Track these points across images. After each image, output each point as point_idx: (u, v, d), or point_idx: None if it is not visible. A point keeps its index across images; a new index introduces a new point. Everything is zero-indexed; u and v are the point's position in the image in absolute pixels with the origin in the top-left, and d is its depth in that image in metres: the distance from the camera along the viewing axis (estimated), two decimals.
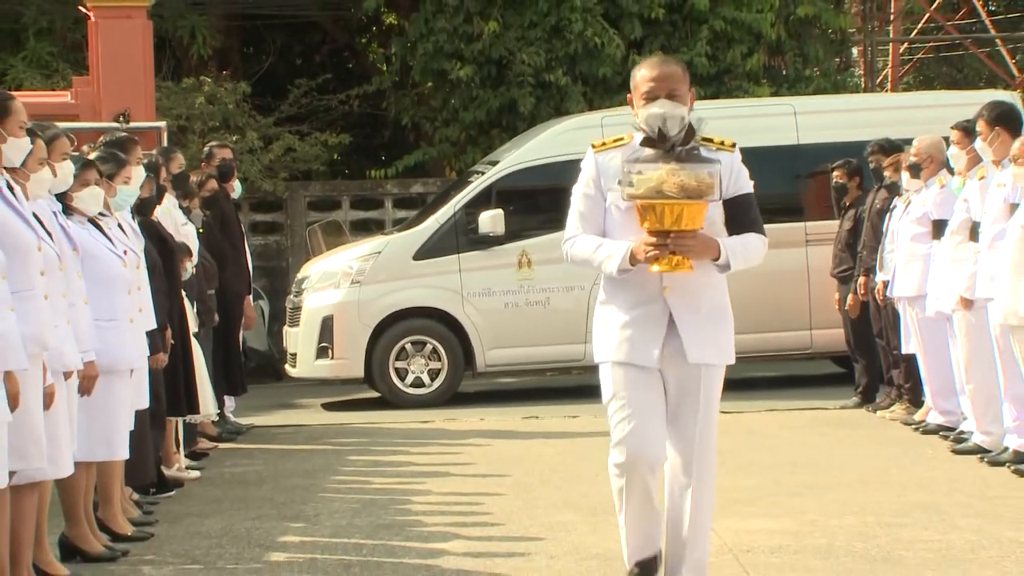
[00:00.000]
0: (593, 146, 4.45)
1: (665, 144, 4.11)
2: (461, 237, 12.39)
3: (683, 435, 4.27)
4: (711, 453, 4.38)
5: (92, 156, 6.97)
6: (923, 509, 6.46)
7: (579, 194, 4.37)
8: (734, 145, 4.41)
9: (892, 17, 24.44)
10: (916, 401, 9.34)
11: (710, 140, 4.28)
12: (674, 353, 4.21)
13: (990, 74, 22.94)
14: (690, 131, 4.16)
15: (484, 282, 12.28)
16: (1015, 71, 22.28)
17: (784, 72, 17.40)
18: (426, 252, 12.37)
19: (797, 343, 12.36)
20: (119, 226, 6.75)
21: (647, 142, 4.18)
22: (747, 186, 4.24)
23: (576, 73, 15.29)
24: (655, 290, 4.26)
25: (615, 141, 4.37)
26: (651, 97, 4.18)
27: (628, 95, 4.42)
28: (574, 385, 13.43)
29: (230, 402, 10.97)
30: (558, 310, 12.26)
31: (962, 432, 8.09)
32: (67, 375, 5.26)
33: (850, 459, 8.56)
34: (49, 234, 5.12)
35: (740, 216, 4.26)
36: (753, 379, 12.37)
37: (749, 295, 10.92)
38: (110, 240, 6.18)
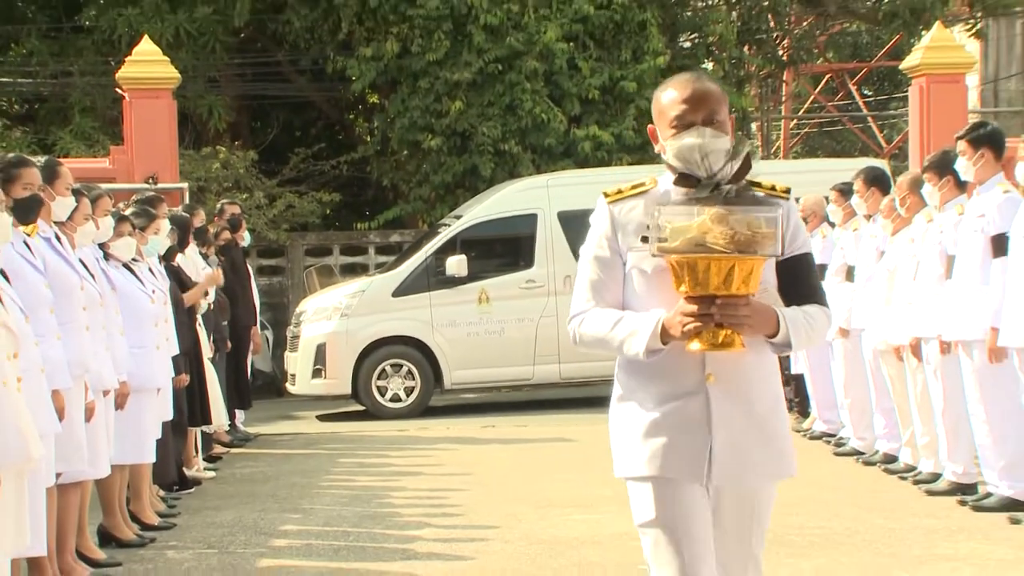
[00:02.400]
0: (606, 195, 2.89)
1: (710, 182, 2.69)
2: (431, 278, 12.17)
3: (726, 562, 2.83)
4: None
5: (127, 212, 6.99)
6: (810, 501, 6.44)
7: (588, 257, 2.84)
8: (788, 191, 2.86)
9: (784, 99, 24.69)
10: (804, 412, 9.38)
11: (758, 184, 2.82)
12: (720, 464, 2.76)
13: (863, 145, 22.77)
14: (745, 165, 2.71)
15: (450, 315, 12.09)
16: (883, 143, 22.41)
17: None
18: (403, 290, 12.17)
19: None
20: (149, 269, 6.75)
21: (683, 180, 2.75)
22: (807, 244, 2.84)
23: (526, 143, 14.86)
24: (695, 379, 2.75)
25: (634, 188, 2.86)
26: (684, 124, 2.75)
27: (649, 127, 2.91)
28: (524, 400, 13.36)
29: (240, 415, 10.86)
30: (511, 338, 12.11)
31: (841, 438, 8.18)
32: (105, 393, 5.26)
33: None
34: (92, 276, 5.10)
35: (799, 281, 2.80)
36: None
37: None
38: (141, 281, 6.16)
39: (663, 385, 2.70)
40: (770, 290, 2.71)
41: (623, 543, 6.31)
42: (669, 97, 2.73)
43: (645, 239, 2.68)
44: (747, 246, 2.55)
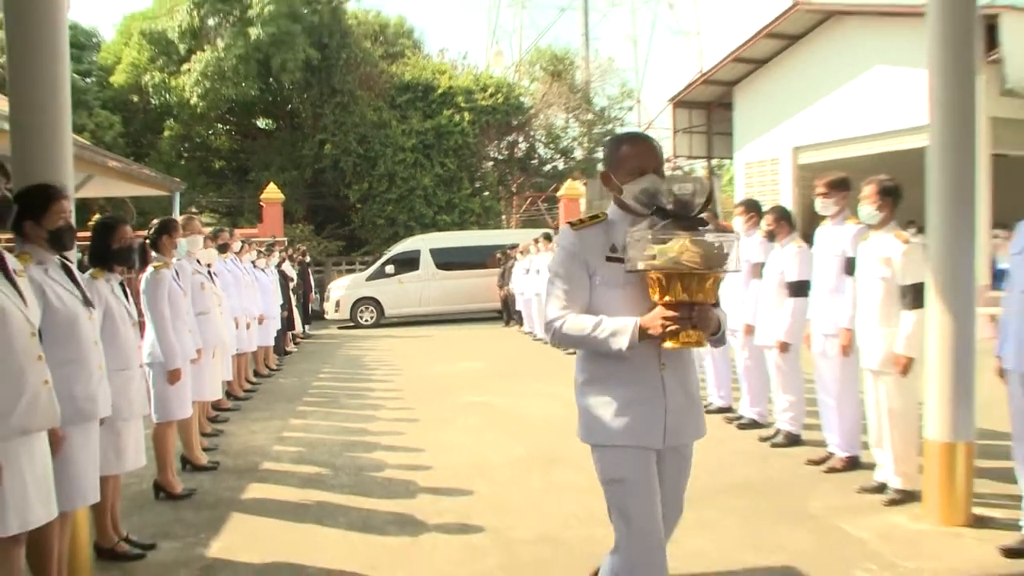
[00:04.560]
0: (572, 224, 3.17)
1: (683, 213, 2.93)
2: (381, 274, 20.88)
3: (669, 507, 3.23)
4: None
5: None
6: (714, 458, 6.64)
7: (561, 273, 3.12)
8: (732, 227, 3.15)
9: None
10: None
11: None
12: (670, 431, 3.10)
13: None
14: (709, 200, 2.97)
15: (388, 288, 20.67)
16: None
17: None
18: (370, 279, 20.91)
19: None
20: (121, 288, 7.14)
21: (660, 212, 2.95)
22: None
23: (418, 222, 25.29)
24: (653, 367, 3.08)
25: (592, 219, 3.17)
26: (640, 171, 3.06)
27: (602, 172, 3.19)
28: (420, 320, 21.34)
29: (306, 328, 18.59)
30: (410, 297, 20.74)
31: (741, 416, 7.94)
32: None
33: None
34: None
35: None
36: None
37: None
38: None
39: (627, 372, 3.02)
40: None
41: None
42: (627, 151, 3.08)
43: (611, 258, 3.06)
44: (715, 263, 2.84)
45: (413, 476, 6.59)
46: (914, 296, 5.50)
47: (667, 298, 2.92)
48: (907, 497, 5.61)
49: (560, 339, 3.12)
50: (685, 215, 2.95)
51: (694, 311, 2.92)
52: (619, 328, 2.98)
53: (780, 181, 21.34)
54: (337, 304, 21.02)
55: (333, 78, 26.18)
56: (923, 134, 5.27)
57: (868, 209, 5.71)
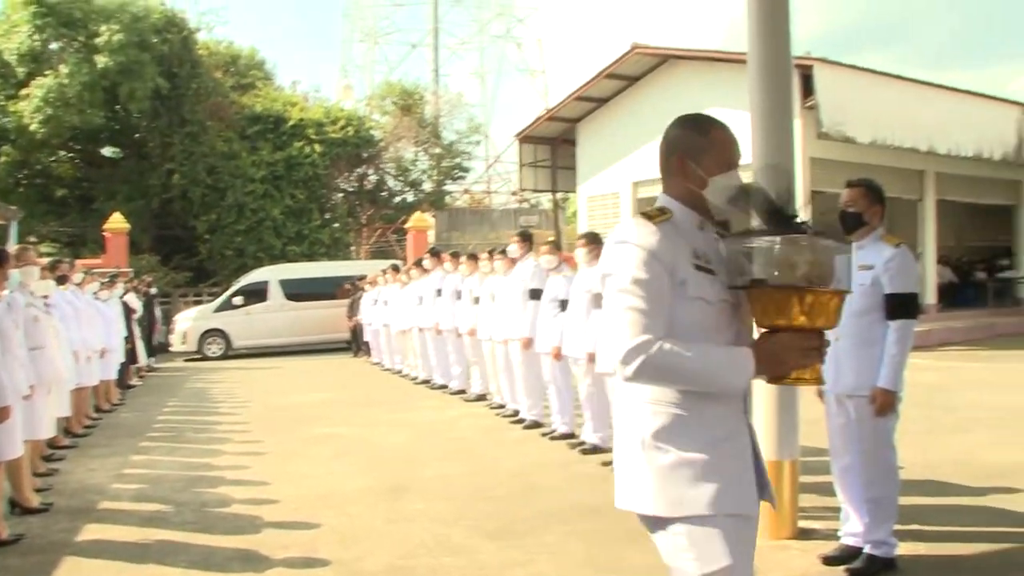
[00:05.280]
0: (650, 216, 2.29)
1: (786, 218, 2.18)
2: (229, 305, 21.01)
3: None
4: None
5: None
6: (557, 483, 6.89)
7: (641, 280, 2.20)
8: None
9: None
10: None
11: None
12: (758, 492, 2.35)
13: None
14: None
15: (235, 319, 20.75)
16: None
17: None
18: (218, 310, 21.02)
19: None
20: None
21: (771, 220, 2.19)
22: None
23: (267, 253, 25.52)
24: (739, 416, 2.30)
25: (661, 213, 2.32)
26: (728, 165, 2.34)
27: (678, 156, 2.37)
28: (274, 351, 20.89)
29: (152, 360, 18.17)
30: (259, 328, 20.70)
31: (584, 442, 8.00)
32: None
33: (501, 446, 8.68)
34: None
35: None
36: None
37: None
38: None
39: (713, 423, 2.23)
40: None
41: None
42: (719, 137, 2.36)
43: (699, 267, 2.25)
44: (829, 279, 2.16)
45: (259, 510, 6.40)
46: None
47: (780, 321, 2.22)
48: None
49: (652, 372, 2.20)
50: (792, 220, 2.23)
51: (824, 339, 2.24)
52: (737, 361, 2.21)
53: (621, 214, 21.83)
54: (184, 336, 20.80)
55: (183, 108, 25.78)
56: (749, 171, 5.49)
57: None
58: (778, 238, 2.17)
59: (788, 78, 5.56)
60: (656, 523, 2.32)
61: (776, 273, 2.17)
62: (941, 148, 18.32)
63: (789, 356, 2.20)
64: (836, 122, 16.49)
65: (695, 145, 2.38)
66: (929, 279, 19.74)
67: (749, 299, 2.30)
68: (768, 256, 2.19)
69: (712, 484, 2.23)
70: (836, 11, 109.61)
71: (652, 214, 2.32)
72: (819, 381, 2.28)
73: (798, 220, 2.21)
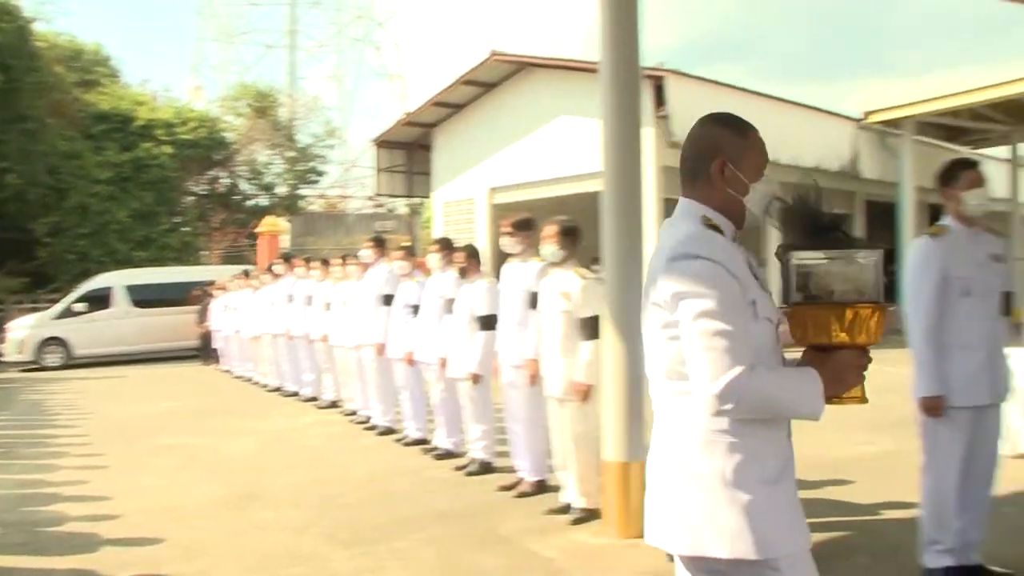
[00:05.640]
0: (717, 229, 2.10)
1: (824, 226, 2.08)
2: (69, 313, 19.99)
3: None
4: None
5: None
6: (410, 489, 6.80)
7: (726, 302, 1.99)
8: None
9: None
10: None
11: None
12: None
13: None
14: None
15: (76, 327, 19.80)
16: None
17: None
18: (57, 317, 20.03)
19: None
20: None
21: (816, 227, 2.08)
22: None
23: (112, 258, 24.44)
24: (787, 442, 2.15)
25: (711, 224, 2.12)
26: (761, 171, 2.17)
27: (720, 160, 2.15)
28: (122, 360, 19.91)
29: None
30: (104, 336, 19.86)
31: (436, 447, 8.00)
32: None
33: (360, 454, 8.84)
34: None
35: None
36: None
37: None
38: None
39: (773, 451, 2.07)
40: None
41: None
42: (757, 140, 2.17)
43: (761, 285, 2.11)
44: (866, 292, 2.04)
45: (97, 527, 6.03)
46: (591, 328, 5.70)
47: (822, 339, 2.10)
48: (590, 515, 5.79)
49: (749, 405, 1.98)
50: (840, 230, 2.11)
51: (869, 357, 2.11)
52: (809, 386, 2.03)
53: (476, 220, 21.90)
54: (20, 344, 19.71)
55: (19, 103, 24.19)
56: (598, 179, 5.63)
57: (550, 248, 5.92)
58: (833, 253, 2.08)
59: (637, 87, 5.66)
60: (737, 567, 2.06)
61: (834, 291, 2.08)
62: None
63: (849, 374, 2.08)
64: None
65: (737, 147, 2.18)
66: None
67: (789, 317, 2.16)
68: (827, 273, 2.09)
69: (797, 516, 2.12)
70: (693, 24, 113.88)
71: (714, 225, 2.12)
72: (864, 399, 2.15)
73: (840, 231, 2.12)
